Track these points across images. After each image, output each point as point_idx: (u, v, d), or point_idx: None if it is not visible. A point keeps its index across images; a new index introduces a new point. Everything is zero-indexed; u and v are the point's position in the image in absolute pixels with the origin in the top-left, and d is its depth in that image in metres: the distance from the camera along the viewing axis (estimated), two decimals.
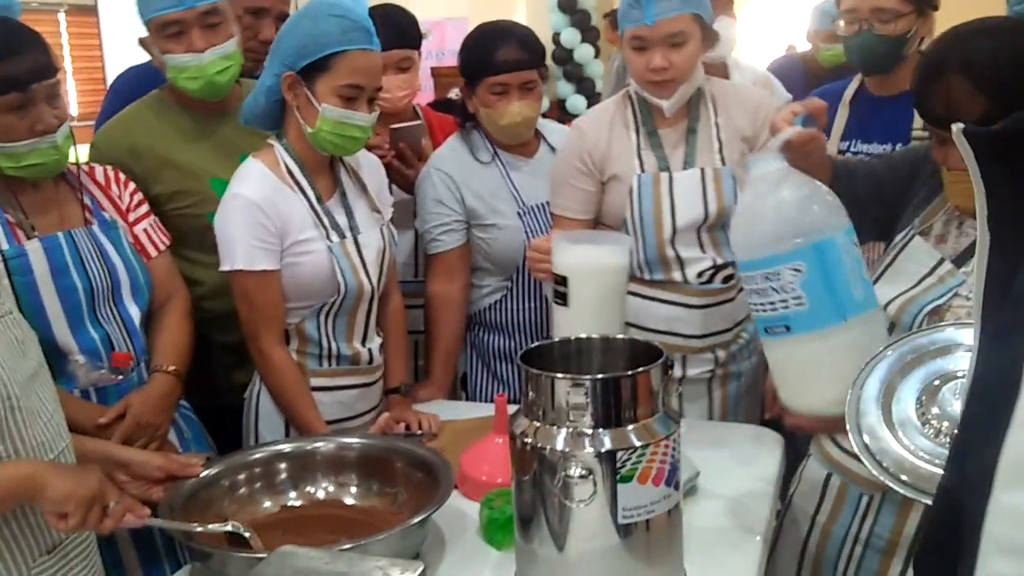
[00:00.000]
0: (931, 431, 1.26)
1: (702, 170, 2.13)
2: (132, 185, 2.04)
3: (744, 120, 2.19)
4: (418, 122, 2.56)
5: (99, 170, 2.01)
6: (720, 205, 2.12)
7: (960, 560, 0.67)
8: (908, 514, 1.61)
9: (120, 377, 1.89)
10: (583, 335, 1.51)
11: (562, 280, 1.90)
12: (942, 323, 1.38)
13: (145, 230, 2.02)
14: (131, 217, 2.00)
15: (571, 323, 1.89)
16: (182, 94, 2.19)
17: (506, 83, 2.29)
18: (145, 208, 2.05)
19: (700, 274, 2.14)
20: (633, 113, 2.18)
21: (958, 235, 1.61)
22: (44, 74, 1.75)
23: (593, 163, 2.17)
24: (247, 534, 1.55)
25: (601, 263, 1.93)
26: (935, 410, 1.28)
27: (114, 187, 2.00)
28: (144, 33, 2.17)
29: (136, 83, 2.44)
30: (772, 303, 1.48)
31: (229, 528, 1.55)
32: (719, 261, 2.16)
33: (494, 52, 2.29)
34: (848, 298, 1.48)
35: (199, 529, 1.53)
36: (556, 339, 1.82)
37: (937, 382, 1.30)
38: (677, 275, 2.15)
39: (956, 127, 0.72)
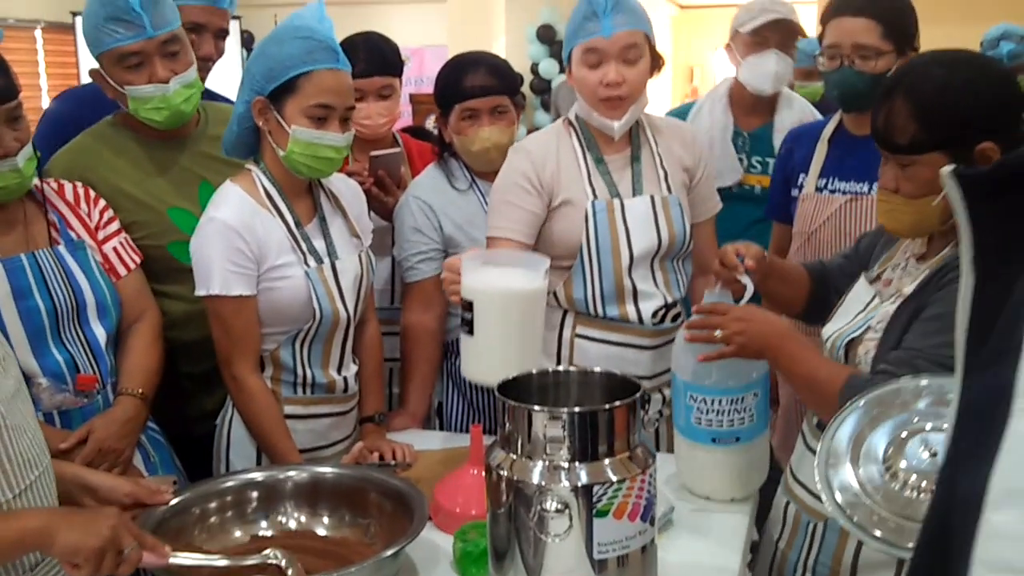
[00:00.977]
0: (897, 485, 1.28)
1: (651, 197, 2.14)
2: (102, 203, 2.01)
3: (683, 151, 2.22)
4: (397, 149, 2.55)
5: (68, 188, 1.98)
6: (671, 232, 2.13)
7: None
8: (845, 544, 1.63)
9: (85, 400, 1.86)
10: (557, 367, 1.50)
11: (468, 305, 1.71)
12: (910, 375, 1.40)
13: (115, 248, 1.99)
14: (100, 235, 1.97)
15: (476, 354, 1.74)
16: (137, 123, 2.11)
17: (475, 108, 2.30)
18: (115, 226, 2.01)
19: (655, 314, 2.14)
20: (578, 139, 2.18)
21: (902, 275, 1.66)
22: (4, 97, 1.73)
23: (542, 184, 2.12)
24: (283, 562, 1.49)
25: (510, 288, 1.71)
26: (903, 464, 1.29)
27: (83, 205, 1.97)
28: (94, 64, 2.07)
29: (75, 107, 2.36)
30: (731, 420, 1.78)
31: (267, 558, 1.50)
32: (669, 300, 2.16)
33: (463, 78, 2.31)
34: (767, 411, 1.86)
35: (229, 563, 1.47)
36: (465, 372, 1.81)
37: (904, 434, 1.31)
38: (631, 311, 2.13)
39: (944, 170, 0.73)
